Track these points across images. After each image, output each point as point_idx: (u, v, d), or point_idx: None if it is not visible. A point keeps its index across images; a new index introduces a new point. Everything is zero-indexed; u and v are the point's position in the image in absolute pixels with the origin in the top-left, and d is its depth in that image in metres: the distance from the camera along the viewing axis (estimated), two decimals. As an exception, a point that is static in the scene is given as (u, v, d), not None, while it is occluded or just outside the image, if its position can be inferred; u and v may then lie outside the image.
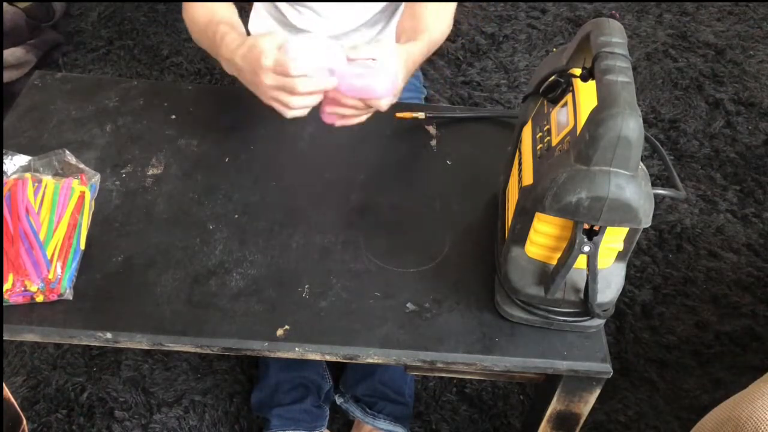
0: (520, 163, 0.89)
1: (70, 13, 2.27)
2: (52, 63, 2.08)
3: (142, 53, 2.15)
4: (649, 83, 2.15)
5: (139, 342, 0.85)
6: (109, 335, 0.85)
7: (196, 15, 1.12)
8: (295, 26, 1.27)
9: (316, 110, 0.99)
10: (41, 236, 0.89)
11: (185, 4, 1.14)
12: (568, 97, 0.83)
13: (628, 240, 0.80)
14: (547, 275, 0.83)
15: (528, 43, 2.26)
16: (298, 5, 1.25)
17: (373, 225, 0.99)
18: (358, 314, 0.88)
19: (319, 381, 1.34)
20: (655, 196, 0.76)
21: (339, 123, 0.99)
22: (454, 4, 1.19)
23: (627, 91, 0.71)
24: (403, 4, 1.24)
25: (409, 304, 0.89)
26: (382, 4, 1.25)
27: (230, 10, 1.13)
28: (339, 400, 1.34)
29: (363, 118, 1.00)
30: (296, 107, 0.94)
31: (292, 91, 0.92)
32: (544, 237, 0.81)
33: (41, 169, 0.97)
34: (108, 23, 2.25)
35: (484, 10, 2.37)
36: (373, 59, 0.95)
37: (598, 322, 0.87)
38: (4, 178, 0.95)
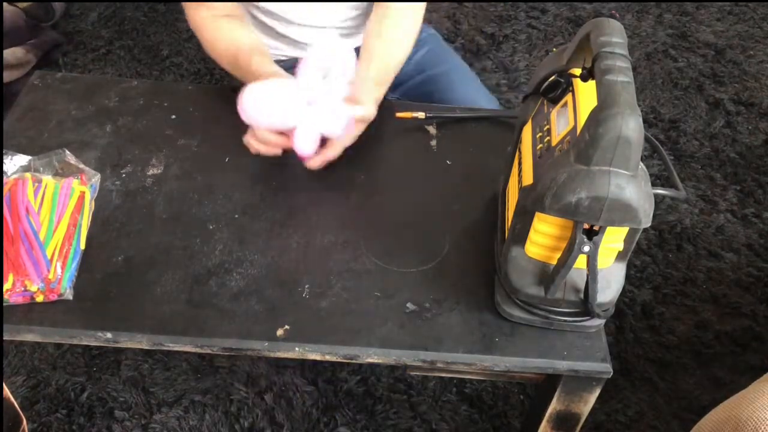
0: (520, 163, 0.89)
1: (70, 13, 2.27)
2: (52, 63, 2.08)
3: (142, 53, 2.15)
4: (649, 83, 2.15)
5: (139, 342, 0.85)
6: (109, 335, 0.85)
7: (220, 53, 1.14)
8: (275, 29, 1.25)
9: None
10: (41, 236, 0.89)
11: (205, 43, 1.15)
12: (568, 97, 0.83)
13: (628, 240, 0.80)
14: (547, 275, 0.83)
15: (528, 43, 2.26)
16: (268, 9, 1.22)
17: (373, 225, 0.99)
18: (358, 314, 0.88)
19: None
20: (655, 196, 0.76)
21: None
22: (411, 26, 1.16)
23: (627, 91, 0.71)
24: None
25: (409, 304, 0.89)
26: (353, 12, 1.23)
27: (251, 36, 1.13)
28: None
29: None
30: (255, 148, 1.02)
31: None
32: (544, 237, 0.81)
33: (41, 169, 0.98)
34: (108, 23, 2.25)
35: (484, 10, 2.37)
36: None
37: (598, 322, 0.87)
38: (4, 178, 0.95)
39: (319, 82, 0.96)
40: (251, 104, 0.94)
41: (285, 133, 0.99)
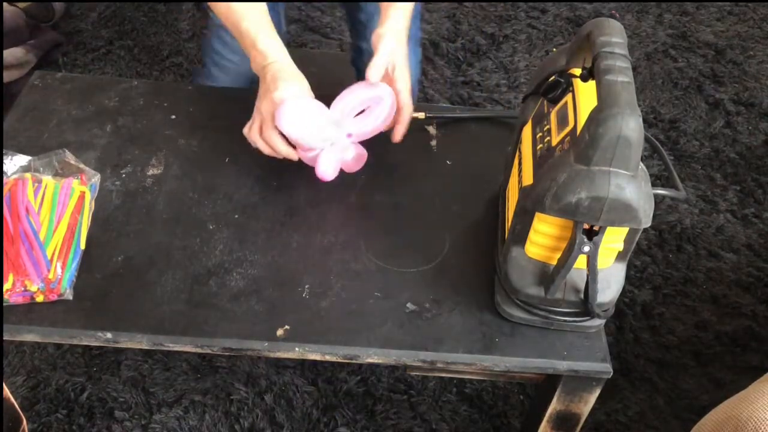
0: (520, 163, 0.89)
1: (70, 13, 2.27)
2: (52, 63, 2.08)
3: (142, 53, 2.15)
4: (649, 83, 2.15)
5: (139, 342, 0.85)
6: (109, 335, 0.85)
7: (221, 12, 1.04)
8: None
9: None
10: (41, 236, 0.89)
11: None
12: (568, 97, 0.83)
13: (628, 240, 0.80)
14: (547, 275, 0.83)
15: (528, 43, 2.26)
16: None
17: (373, 225, 0.99)
18: (358, 314, 0.88)
19: None
20: (655, 196, 0.76)
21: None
22: None
23: (627, 91, 0.71)
24: None
25: (409, 304, 0.89)
26: None
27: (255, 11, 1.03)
28: None
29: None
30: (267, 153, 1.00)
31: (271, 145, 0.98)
32: (544, 237, 0.81)
33: (41, 169, 0.98)
34: (108, 23, 2.25)
35: (484, 10, 2.37)
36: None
37: (598, 322, 0.87)
38: (4, 178, 0.95)
39: (355, 116, 0.99)
40: (292, 114, 0.93)
41: (292, 144, 0.99)
